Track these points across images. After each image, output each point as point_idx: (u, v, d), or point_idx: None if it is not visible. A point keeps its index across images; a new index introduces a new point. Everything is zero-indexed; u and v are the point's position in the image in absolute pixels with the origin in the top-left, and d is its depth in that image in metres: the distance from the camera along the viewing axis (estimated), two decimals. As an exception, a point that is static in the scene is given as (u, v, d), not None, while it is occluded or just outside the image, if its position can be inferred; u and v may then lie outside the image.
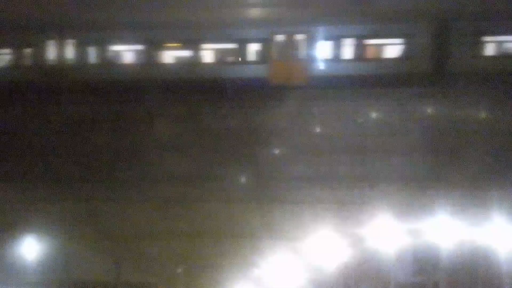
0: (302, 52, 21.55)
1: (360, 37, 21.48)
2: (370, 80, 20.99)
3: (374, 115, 21.28)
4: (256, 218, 18.25)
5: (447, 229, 15.86)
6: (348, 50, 21.53)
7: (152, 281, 17.83)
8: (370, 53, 21.83)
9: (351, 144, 20.27)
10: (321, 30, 21.51)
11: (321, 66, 21.53)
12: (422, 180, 19.00)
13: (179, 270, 17.56)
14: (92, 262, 18.00)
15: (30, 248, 17.52)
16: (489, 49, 21.44)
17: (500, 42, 21.52)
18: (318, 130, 21.29)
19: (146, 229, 18.92)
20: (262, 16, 23.08)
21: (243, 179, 19.95)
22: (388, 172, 19.50)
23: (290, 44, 21.69)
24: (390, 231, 16.09)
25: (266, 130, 20.42)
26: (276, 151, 20.58)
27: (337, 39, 21.59)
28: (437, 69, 21.22)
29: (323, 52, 21.48)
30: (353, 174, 19.68)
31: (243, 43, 21.89)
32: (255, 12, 23.55)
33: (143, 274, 17.93)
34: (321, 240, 16.23)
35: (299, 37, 21.58)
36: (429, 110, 21.09)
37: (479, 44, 21.24)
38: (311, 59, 21.49)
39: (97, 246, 18.34)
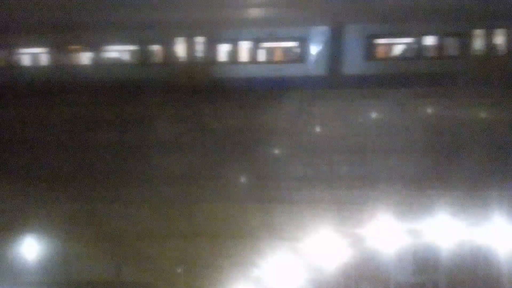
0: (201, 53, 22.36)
1: (257, 41, 22.14)
2: (265, 83, 21.76)
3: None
4: (256, 218, 18.25)
5: (447, 229, 15.86)
6: (245, 53, 22.31)
7: (152, 281, 17.83)
8: (266, 56, 22.53)
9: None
10: (219, 33, 22.20)
11: (220, 68, 22.26)
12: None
13: (179, 270, 17.56)
14: (92, 262, 18.01)
15: (30, 248, 17.53)
16: (382, 52, 22.45)
17: (392, 45, 22.51)
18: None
19: (146, 229, 18.91)
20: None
21: (243, 179, 19.96)
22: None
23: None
24: (390, 231, 16.09)
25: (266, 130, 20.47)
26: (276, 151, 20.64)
27: (234, 42, 22.25)
28: (331, 71, 21.96)
29: (222, 54, 22.29)
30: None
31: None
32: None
33: (143, 274, 17.94)
34: (321, 240, 16.22)
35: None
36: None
37: (372, 47, 22.09)
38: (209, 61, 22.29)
39: (97, 246, 18.34)
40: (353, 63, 22.00)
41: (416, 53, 22.01)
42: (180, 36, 22.31)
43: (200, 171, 19.98)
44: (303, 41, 22.03)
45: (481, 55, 21.70)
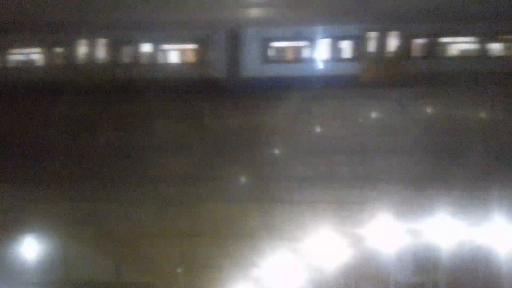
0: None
1: (157, 42, 22.75)
2: (165, 85, 21.87)
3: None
4: (256, 218, 18.24)
5: (447, 229, 15.85)
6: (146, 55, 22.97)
7: (152, 281, 17.81)
8: (167, 59, 23.15)
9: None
10: (120, 34, 22.71)
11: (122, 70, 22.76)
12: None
13: (179, 270, 17.54)
14: (92, 262, 17.99)
15: (30, 248, 17.51)
16: (279, 55, 22.97)
17: (287, 48, 23.03)
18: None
19: (146, 229, 18.90)
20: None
21: (243, 179, 19.96)
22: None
23: None
24: (390, 231, 16.09)
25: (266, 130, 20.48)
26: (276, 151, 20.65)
27: (135, 44, 22.83)
28: (230, 75, 22.34)
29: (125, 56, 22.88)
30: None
31: None
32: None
33: (143, 274, 17.93)
34: (321, 240, 16.22)
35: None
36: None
37: (269, 51, 22.65)
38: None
39: (97, 246, 18.32)
40: (251, 66, 22.47)
41: (310, 56, 22.59)
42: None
43: (200, 171, 19.99)
44: (203, 44, 22.41)
45: (373, 57, 22.41)
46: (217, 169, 19.99)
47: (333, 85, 21.87)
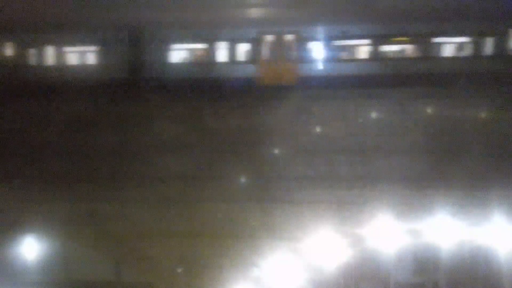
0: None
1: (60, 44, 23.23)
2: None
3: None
4: (256, 218, 18.24)
5: (447, 229, 15.85)
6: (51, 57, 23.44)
7: (152, 281, 17.81)
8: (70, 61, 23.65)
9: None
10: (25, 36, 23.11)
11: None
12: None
13: (179, 270, 17.54)
14: (92, 262, 17.99)
15: (30, 248, 17.50)
16: (180, 57, 23.57)
17: (189, 50, 23.67)
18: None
19: (146, 229, 18.90)
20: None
21: (243, 179, 19.96)
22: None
23: None
24: (390, 231, 16.09)
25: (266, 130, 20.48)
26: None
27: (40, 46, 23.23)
28: (132, 75, 22.76)
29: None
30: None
31: None
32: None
33: (143, 274, 17.92)
34: (321, 240, 16.22)
35: None
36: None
37: (171, 52, 23.14)
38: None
39: (97, 246, 18.32)
40: (153, 67, 22.90)
41: (209, 58, 23.12)
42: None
43: (200, 171, 19.98)
44: (104, 45, 22.64)
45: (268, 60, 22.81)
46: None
47: (231, 87, 22.15)
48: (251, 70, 22.77)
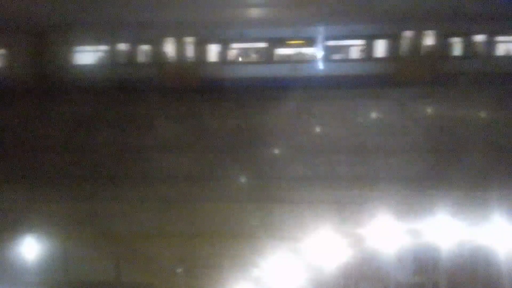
0: None
1: None
2: None
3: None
4: (256, 218, 18.24)
5: (447, 229, 15.84)
6: None
7: (152, 281, 17.80)
8: None
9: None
10: None
11: None
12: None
13: (179, 270, 17.53)
14: (92, 262, 17.97)
15: (30, 248, 17.48)
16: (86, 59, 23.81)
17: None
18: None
19: (146, 229, 18.90)
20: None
21: (243, 179, 19.96)
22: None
23: None
24: (390, 231, 16.07)
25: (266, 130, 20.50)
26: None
27: None
28: (36, 77, 23.04)
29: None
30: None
31: None
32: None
33: (143, 274, 17.91)
34: (321, 240, 16.20)
35: None
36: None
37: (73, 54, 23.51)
38: None
39: (97, 246, 18.31)
40: (56, 68, 23.06)
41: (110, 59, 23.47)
42: None
43: (200, 171, 19.98)
44: (9, 47, 23.06)
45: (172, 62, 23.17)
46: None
47: (130, 88, 22.30)
48: (152, 71, 22.98)
